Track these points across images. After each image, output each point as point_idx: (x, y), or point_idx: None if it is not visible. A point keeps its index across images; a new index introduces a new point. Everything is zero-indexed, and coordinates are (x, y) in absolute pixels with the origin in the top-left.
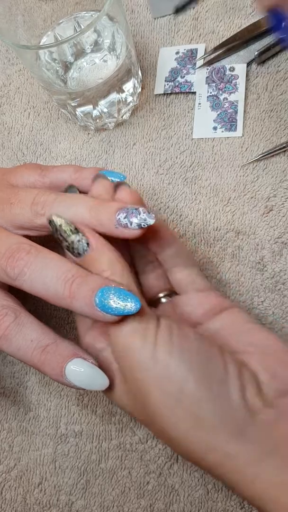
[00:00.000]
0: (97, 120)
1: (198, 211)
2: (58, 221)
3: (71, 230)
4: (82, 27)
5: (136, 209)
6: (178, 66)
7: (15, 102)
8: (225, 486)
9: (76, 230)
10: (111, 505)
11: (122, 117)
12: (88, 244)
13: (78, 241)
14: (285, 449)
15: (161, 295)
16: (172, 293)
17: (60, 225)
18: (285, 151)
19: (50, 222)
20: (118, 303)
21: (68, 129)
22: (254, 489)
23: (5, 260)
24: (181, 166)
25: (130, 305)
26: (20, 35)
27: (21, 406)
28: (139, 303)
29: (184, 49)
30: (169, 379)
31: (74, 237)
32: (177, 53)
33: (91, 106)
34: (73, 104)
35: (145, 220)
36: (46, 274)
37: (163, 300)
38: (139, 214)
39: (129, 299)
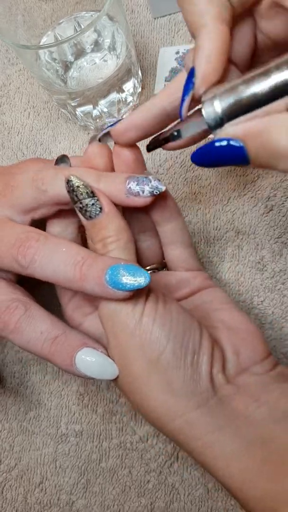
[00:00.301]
0: (97, 120)
1: (198, 211)
2: (76, 182)
3: (87, 192)
4: (82, 27)
5: (146, 177)
6: (178, 66)
7: (15, 102)
8: (183, 449)
9: (92, 194)
10: (111, 504)
11: (122, 117)
12: (101, 209)
13: (93, 204)
14: (236, 422)
15: (148, 268)
16: (159, 267)
17: (78, 186)
18: None
19: (68, 181)
20: (129, 278)
21: (68, 129)
22: (208, 456)
23: (16, 249)
24: (181, 166)
25: (140, 280)
26: (20, 35)
27: (21, 406)
28: (149, 277)
29: (184, 49)
30: (150, 346)
31: (89, 200)
32: (177, 53)
33: (91, 106)
34: (73, 104)
35: (156, 187)
36: (56, 259)
37: (150, 272)
38: (150, 182)
39: (139, 274)
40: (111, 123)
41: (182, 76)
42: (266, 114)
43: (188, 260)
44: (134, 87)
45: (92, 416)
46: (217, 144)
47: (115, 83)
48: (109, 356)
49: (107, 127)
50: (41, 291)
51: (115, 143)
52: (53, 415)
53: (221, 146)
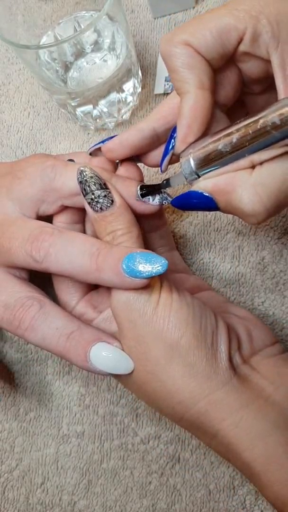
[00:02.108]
0: (97, 120)
1: (198, 212)
2: (89, 173)
3: (100, 184)
4: (82, 27)
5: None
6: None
7: (15, 101)
8: (202, 438)
9: (105, 186)
10: (113, 505)
11: (122, 117)
12: (112, 202)
13: (105, 196)
14: (259, 402)
15: None
16: None
17: (91, 177)
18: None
19: (82, 172)
20: (146, 265)
21: (68, 129)
22: (233, 437)
23: (30, 244)
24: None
25: (158, 266)
26: (20, 35)
27: (21, 407)
28: (166, 262)
29: None
30: (170, 331)
31: (101, 192)
32: None
33: (91, 106)
34: (73, 104)
35: (166, 198)
36: (71, 252)
37: None
38: (161, 192)
39: (155, 260)
40: (103, 140)
41: (173, 98)
42: (235, 169)
43: (175, 261)
44: (134, 87)
45: (94, 417)
46: (192, 194)
47: (115, 83)
48: (124, 348)
49: (99, 143)
50: (52, 290)
51: None
52: (54, 416)
53: (195, 197)
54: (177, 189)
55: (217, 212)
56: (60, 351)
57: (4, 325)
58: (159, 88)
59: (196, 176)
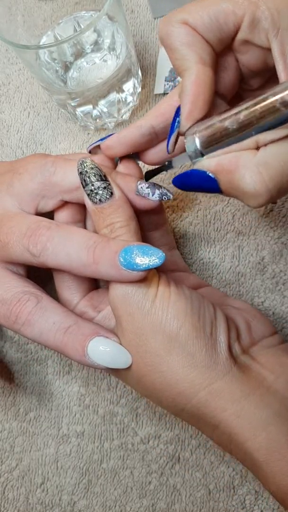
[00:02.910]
0: (97, 120)
1: (198, 212)
2: (90, 164)
3: (100, 175)
4: (82, 27)
5: (156, 183)
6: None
7: (15, 101)
8: (204, 429)
9: (105, 177)
10: (113, 505)
11: (122, 117)
12: (111, 194)
13: (104, 188)
14: (260, 391)
15: None
16: None
17: (91, 168)
18: None
19: (82, 162)
20: (143, 258)
21: (68, 129)
22: (235, 427)
23: (27, 238)
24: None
25: (155, 258)
26: (20, 35)
27: (21, 407)
28: (163, 254)
29: None
30: (168, 321)
31: (101, 183)
32: None
33: (91, 106)
34: (73, 104)
35: (166, 193)
36: (68, 245)
37: None
38: (160, 188)
39: (152, 252)
40: (102, 138)
41: (173, 96)
42: (240, 149)
43: (176, 261)
44: (134, 87)
45: (93, 417)
46: (194, 173)
47: (115, 83)
48: (122, 342)
49: (98, 141)
50: (51, 286)
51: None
52: (54, 415)
53: (197, 176)
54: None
55: (217, 211)
56: (57, 346)
57: (1, 321)
58: (159, 88)
59: (201, 155)
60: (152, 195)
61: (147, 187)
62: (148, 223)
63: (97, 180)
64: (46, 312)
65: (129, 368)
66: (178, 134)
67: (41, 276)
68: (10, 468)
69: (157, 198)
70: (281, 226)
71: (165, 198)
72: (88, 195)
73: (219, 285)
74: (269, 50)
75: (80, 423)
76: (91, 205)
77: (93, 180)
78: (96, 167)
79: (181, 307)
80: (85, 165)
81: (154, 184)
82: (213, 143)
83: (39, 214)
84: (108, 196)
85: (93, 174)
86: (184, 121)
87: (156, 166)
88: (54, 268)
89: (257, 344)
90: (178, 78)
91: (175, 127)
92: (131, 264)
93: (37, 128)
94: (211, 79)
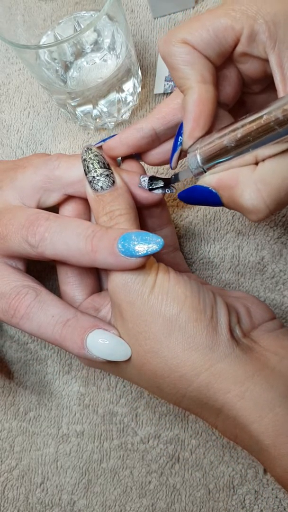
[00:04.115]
0: (97, 120)
1: (198, 212)
2: (95, 151)
3: (104, 163)
4: (82, 26)
5: (159, 177)
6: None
7: (15, 101)
8: (207, 416)
9: (108, 166)
10: (113, 504)
11: (122, 116)
12: (113, 182)
13: (107, 175)
14: (265, 372)
15: None
16: None
17: (96, 155)
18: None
19: (87, 149)
20: (142, 244)
21: (68, 128)
22: (239, 409)
23: (26, 229)
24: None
25: (153, 244)
26: (20, 35)
27: (21, 406)
28: (161, 240)
29: None
30: (168, 304)
31: (103, 171)
32: None
33: (91, 106)
34: (73, 104)
35: (169, 187)
36: (66, 234)
37: None
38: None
39: (151, 238)
40: (104, 139)
41: (173, 98)
42: (240, 165)
43: (179, 262)
44: (134, 87)
45: (93, 417)
46: (198, 188)
47: (115, 83)
48: (121, 333)
49: (100, 141)
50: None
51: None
52: (54, 415)
53: (201, 191)
54: (184, 184)
55: (217, 211)
56: (56, 339)
57: (0, 315)
58: (159, 88)
59: (202, 170)
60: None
61: (149, 181)
62: (151, 223)
63: (100, 167)
64: (44, 305)
65: (128, 359)
66: (181, 151)
67: (41, 273)
68: (10, 467)
69: (160, 191)
70: (281, 226)
71: (167, 191)
72: (90, 182)
73: (219, 285)
74: (267, 61)
75: (80, 422)
76: (92, 193)
77: (96, 167)
78: (100, 155)
79: (181, 291)
80: (89, 151)
81: (157, 178)
82: (213, 159)
83: (41, 208)
84: (110, 184)
85: (97, 161)
86: (187, 139)
87: (163, 177)
88: (52, 258)
89: (257, 328)
90: None
91: (178, 144)
92: (130, 250)
93: (37, 128)
94: (212, 97)
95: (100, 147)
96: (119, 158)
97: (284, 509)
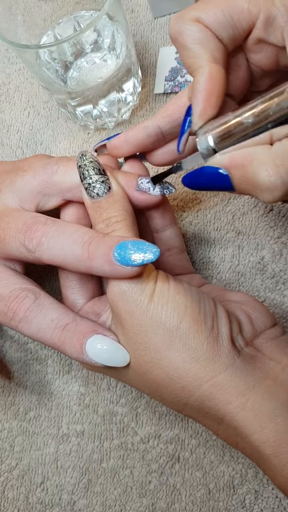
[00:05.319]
0: (97, 120)
1: (198, 211)
2: (89, 157)
3: (99, 169)
4: (82, 26)
5: None
6: (178, 65)
7: (15, 100)
8: (209, 424)
9: (104, 172)
10: (113, 504)
11: (122, 116)
12: (109, 188)
13: (102, 181)
14: (266, 382)
15: None
16: None
17: (91, 162)
18: None
19: (82, 155)
20: (138, 253)
21: (68, 128)
22: (240, 420)
23: (23, 234)
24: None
25: (149, 254)
26: (20, 35)
27: (21, 406)
28: (157, 250)
29: None
30: (168, 316)
31: (99, 177)
32: (177, 52)
33: (91, 106)
34: (73, 104)
35: (168, 187)
36: (63, 240)
37: None
38: (162, 182)
39: (147, 247)
40: (109, 137)
41: (181, 97)
42: (253, 144)
43: (184, 264)
44: (134, 87)
45: (93, 417)
46: (206, 170)
47: (115, 83)
48: (121, 341)
49: (105, 140)
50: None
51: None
52: (54, 415)
53: (209, 173)
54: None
55: (217, 212)
56: (55, 343)
57: None
58: (159, 88)
59: (213, 152)
60: (153, 190)
61: (147, 182)
62: (153, 223)
63: (95, 174)
64: (44, 309)
65: (128, 366)
66: (189, 134)
67: (41, 274)
68: (10, 467)
69: (158, 193)
70: (281, 226)
71: (166, 192)
72: (86, 189)
73: (219, 284)
74: (283, 48)
75: (80, 422)
76: (88, 199)
77: (91, 174)
78: (95, 161)
79: (181, 301)
80: (84, 158)
81: (158, 176)
82: (227, 139)
83: (40, 211)
84: (106, 191)
85: (92, 168)
86: (197, 119)
87: (164, 168)
88: (50, 263)
89: (260, 336)
90: (178, 78)
91: (186, 126)
92: (126, 259)
93: (37, 128)
94: (223, 78)
95: (103, 146)
96: (121, 161)
97: (284, 509)
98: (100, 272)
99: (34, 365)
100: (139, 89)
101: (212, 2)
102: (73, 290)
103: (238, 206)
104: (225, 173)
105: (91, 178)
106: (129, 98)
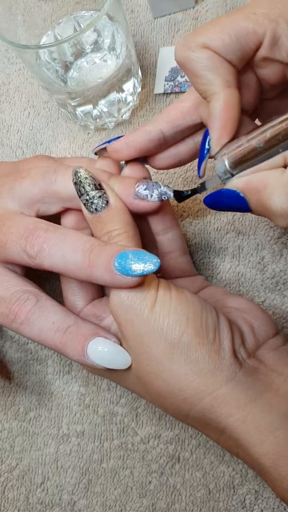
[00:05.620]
0: (97, 120)
1: (198, 212)
2: (84, 174)
3: (94, 185)
4: (82, 26)
5: (155, 182)
6: (178, 65)
7: (15, 101)
8: (211, 434)
9: (100, 186)
10: (113, 505)
11: (122, 116)
12: (107, 202)
13: (99, 197)
14: (267, 395)
15: None
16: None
17: (86, 178)
18: None
19: (76, 173)
20: (138, 264)
21: (68, 128)
22: (241, 433)
23: (24, 239)
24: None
25: (150, 264)
26: (20, 35)
27: (21, 406)
28: (158, 262)
29: None
30: (170, 327)
31: (95, 193)
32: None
33: (91, 106)
34: (73, 104)
35: (165, 192)
36: (65, 247)
37: None
38: (160, 187)
39: (147, 258)
40: (109, 140)
41: (183, 101)
42: (268, 168)
43: (186, 267)
44: (134, 87)
45: (93, 417)
46: (225, 193)
47: (115, 83)
48: (124, 349)
49: (105, 142)
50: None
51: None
52: (54, 415)
53: (228, 195)
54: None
55: (217, 212)
56: (56, 346)
57: (0, 319)
58: (159, 88)
59: (230, 175)
60: (151, 196)
61: (144, 189)
62: (154, 226)
63: (92, 190)
64: (45, 311)
65: (129, 371)
66: (208, 158)
67: (41, 275)
68: (10, 467)
69: (156, 199)
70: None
71: (164, 197)
72: (84, 204)
73: (219, 284)
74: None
75: (80, 422)
76: (88, 214)
77: (88, 190)
78: (90, 176)
79: (183, 312)
80: (79, 175)
81: (154, 183)
82: (242, 162)
83: (40, 217)
84: (104, 205)
85: (88, 184)
86: (215, 146)
87: (188, 189)
88: (51, 270)
89: (262, 346)
90: (178, 78)
91: (205, 152)
92: (126, 269)
93: (37, 128)
94: (238, 101)
95: (103, 149)
96: (122, 163)
97: (285, 509)
98: (100, 280)
99: (34, 366)
100: (139, 89)
101: (216, 25)
102: (73, 291)
103: None
104: (242, 196)
105: (87, 195)
106: (129, 98)
